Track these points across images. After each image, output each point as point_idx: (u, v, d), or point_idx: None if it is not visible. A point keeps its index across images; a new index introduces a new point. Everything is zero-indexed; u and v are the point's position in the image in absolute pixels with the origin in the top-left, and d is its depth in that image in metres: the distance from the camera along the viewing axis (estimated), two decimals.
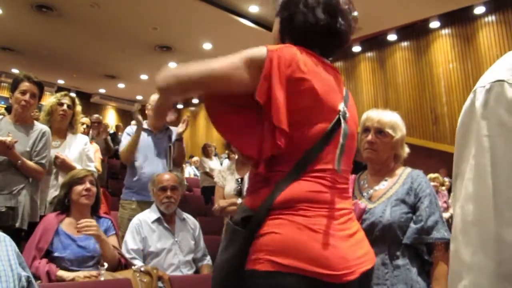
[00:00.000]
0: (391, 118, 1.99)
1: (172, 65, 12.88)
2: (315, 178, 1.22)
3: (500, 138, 0.67)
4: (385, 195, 1.91)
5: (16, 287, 1.32)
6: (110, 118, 18.27)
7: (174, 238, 3.14)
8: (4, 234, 1.44)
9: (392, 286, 1.77)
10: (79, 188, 2.70)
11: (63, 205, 2.74)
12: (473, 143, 0.72)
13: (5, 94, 15.70)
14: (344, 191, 1.30)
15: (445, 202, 6.91)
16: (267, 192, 1.21)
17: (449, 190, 8.18)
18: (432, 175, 6.95)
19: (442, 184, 7.23)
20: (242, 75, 1.20)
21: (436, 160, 10.00)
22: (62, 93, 3.43)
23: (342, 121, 1.25)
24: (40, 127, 3.02)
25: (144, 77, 14.44)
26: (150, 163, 3.77)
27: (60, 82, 15.54)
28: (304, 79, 1.22)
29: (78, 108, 3.42)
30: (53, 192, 3.13)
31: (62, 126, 3.33)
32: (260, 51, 1.23)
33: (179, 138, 3.93)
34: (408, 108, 11.14)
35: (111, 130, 12.29)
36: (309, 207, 1.18)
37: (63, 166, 3.16)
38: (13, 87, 2.96)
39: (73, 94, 3.50)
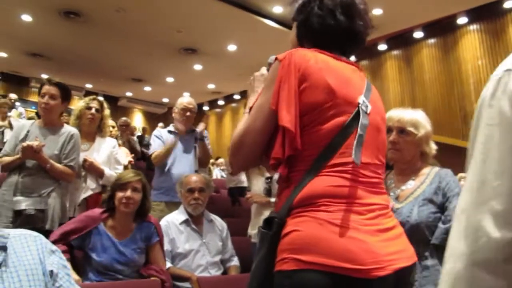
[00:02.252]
0: (412, 116, 1.96)
1: (197, 67, 13.00)
2: (335, 172, 1.18)
3: (497, 128, 0.68)
4: (412, 195, 1.89)
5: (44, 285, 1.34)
6: (137, 121, 18.50)
7: (202, 239, 3.16)
8: (37, 233, 1.47)
9: (420, 287, 1.74)
10: (120, 194, 2.64)
11: (109, 205, 2.70)
12: (479, 132, 0.73)
13: (36, 99, 16.06)
14: (373, 185, 1.24)
15: None
16: (289, 192, 1.20)
17: None
18: (462, 174, 6.80)
19: None
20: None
21: (465, 158, 9.80)
22: (91, 97, 3.49)
23: (362, 112, 1.23)
24: (68, 129, 3.08)
25: (170, 79, 14.58)
26: (178, 164, 3.84)
27: (88, 86, 15.82)
28: (316, 75, 1.23)
29: (107, 111, 3.48)
30: (82, 195, 3.19)
31: (91, 130, 3.40)
32: (274, 67, 1.28)
33: (201, 138, 3.97)
34: (436, 106, 10.95)
35: (139, 132, 12.48)
36: (330, 202, 1.14)
37: (92, 169, 3.22)
38: (38, 93, 3.04)
39: (101, 98, 3.56)
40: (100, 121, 3.41)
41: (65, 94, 3.08)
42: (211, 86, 15.13)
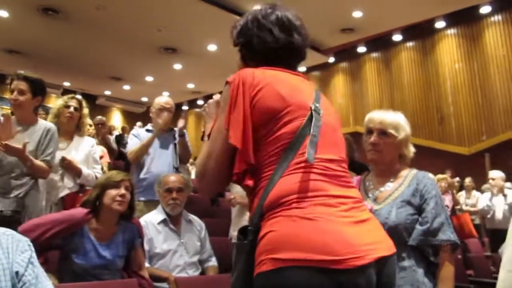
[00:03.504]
0: (393, 119, 1.98)
1: (177, 66, 12.93)
2: (298, 169, 1.20)
3: None
4: (391, 197, 1.91)
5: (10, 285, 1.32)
6: (116, 119, 18.31)
7: (180, 240, 3.14)
8: (10, 232, 1.44)
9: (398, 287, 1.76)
10: (113, 192, 2.54)
11: (93, 206, 2.57)
12: None
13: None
14: (340, 178, 1.25)
15: (453, 202, 6.87)
16: (258, 200, 1.22)
17: (458, 190, 8.13)
18: (440, 176, 6.92)
19: (451, 185, 7.18)
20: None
21: (443, 160, 9.96)
22: (70, 95, 3.45)
23: (314, 114, 1.27)
24: (44, 124, 3.02)
25: (149, 78, 14.49)
26: (156, 163, 3.84)
27: (66, 84, 15.58)
28: (267, 87, 1.28)
29: (85, 110, 3.43)
30: (60, 194, 3.14)
31: (69, 129, 3.35)
32: (225, 90, 1.33)
33: (181, 134, 3.97)
34: (413, 108, 11.11)
35: (117, 131, 12.35)
36: (300, 198, 1.15)
37: (70, 167, 3.18)
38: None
39: (79, 97, 3.51)
40: (78, 120, 3.37)
41: (36, 88, 2.98)
42: (190, 85, 15.09)
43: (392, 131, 1.95)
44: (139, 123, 12.55)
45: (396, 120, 1.98)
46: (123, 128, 13.58)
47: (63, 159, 3.14)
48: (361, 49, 12.29)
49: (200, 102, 16.94)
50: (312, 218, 1.11)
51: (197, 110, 17.69)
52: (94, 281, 2.48)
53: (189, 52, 11.69)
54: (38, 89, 3.00)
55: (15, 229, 2.65)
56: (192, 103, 17.46)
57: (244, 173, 1.25)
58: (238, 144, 1.23)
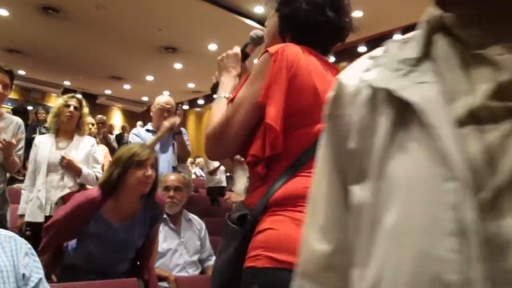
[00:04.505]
0: None
1: (177, 66, 12.93)
2: (311, 174, 1.17)
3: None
4: None
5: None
6: (116, 119, 18.32)
7: (180, 239, 3.15)
8: (12, 234, 1.45)
9: None
10: (138, 173, 2.27)
11: (111, 187, 2.30)
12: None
13: (12, 95, 15.78)
14: None
15: None
16: (264, 190, 1.19)
17: None
18: None
19: None
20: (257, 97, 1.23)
21: None
22: (69, 95, 3.47)
23: None
24: (12, 118, 3.08)
25: (150, 78, 14.48)
26: None
27: (66, 83, 15.61)
28: (306, 76, 1.21)
29: (85, 110, 3.45)
30: (59, 193, 3.15)
31: (69, 128, 3.36)
32: (264, 59, 1.24)
33: (178, 131, 3.96)
34: None
35: (118, 131, 12.37)
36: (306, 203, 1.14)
37: (69, 167, 3.19)
38: None
39: (79, 96, 3.52)
40: (78, 120, 3.38)
41: (12, 82, 3.05)
42: (191, 85, 15.07)
43: None
44: (139, 123, 12.58)
45: None
46: (123, 127, 13.58)
47: (63, 158, 3.14)
48: (362, 48, 12.27)
49: (200, 101, 16.93)
50: None
51: (198, 109, 17.71)
52: (107, 267, 2.40)
53: (190, 52, 11.67)
54: (13, 83, 3.04)
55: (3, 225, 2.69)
56: (192, 103, 17.44)
57: (262, 158, 1.20)
58: (277, 126, 1.16)
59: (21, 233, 3.11)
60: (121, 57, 12.30)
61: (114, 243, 2.36)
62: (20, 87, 15.64)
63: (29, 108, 14.11)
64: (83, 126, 3.41)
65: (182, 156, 4.08)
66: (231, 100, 1.28)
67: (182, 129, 4.03)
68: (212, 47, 11.32)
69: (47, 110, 8.91)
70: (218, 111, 1.30)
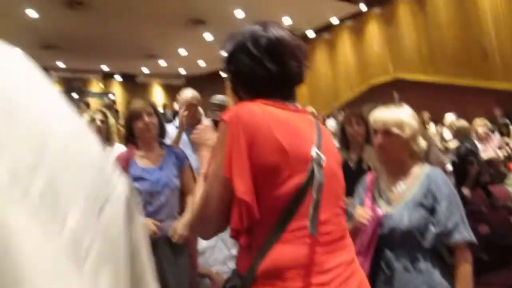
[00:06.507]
0: (396, 116, 1.94)
1: (208, 36, 12.90)
2: (295, 238, 1.16)
3: None
4: (403, 198, 1.90)
5: None
6: (158, 94, 18.67)
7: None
8: None
9: None
10: (138, 123, 2.66)
11: (130, 139, 2.75)
12: None
13: (56, 87, 16.33)
14: (336, 242, 1.23)
15: (498, 147, 6.57)
16: (251, 259, 1.18)
17: (503, 132, 7.79)
18: (479, 121, 6.59)
19: (492, 131, 6.85)
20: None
21: (488, 99, 9.57)
22: (94, 109, 3.57)
23: (316, 169, 1.19)
24: None
25: (183, 51, 14.58)
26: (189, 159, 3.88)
27: (104, 68, 15.96)
28: (266, 133, 1.18)
29: (111, 120, 3.56)
30: None
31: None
32: (221, 129, 1.23)
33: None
34: (454, 47, 10.62)
35: (159, 108, 12.59)
36: (296, 275, 1.14)
37: None
38: None
39: (103, 109, 3.63)
40: (106, 131, 3.50)
41: None
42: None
43: (396, 130, 1.92)
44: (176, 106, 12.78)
45: (399, 117, 1.94)
46: (164, 105, 13.87)
47: None
48: None
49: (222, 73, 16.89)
50: None
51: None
52: (159, 203, 2.61)
53: (217, 22, 11.60)
54: None
55: None
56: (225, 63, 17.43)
57: (243, 229, 1.18)
58: (248, 198, 1.15)
59: None
60: (151, 35, 12.42)
61: (154, 180, 2.64)
62: (62, 78, 16.18)
63: (74, 96, 14.62)
64: (111, 136, 3.53)
65: None
66: (205, 176, 1.28)
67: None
68: (239, 13, 11.20)
69: (87, 104, 9.26)
70: (199, 190, 1.30)
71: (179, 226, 2.56)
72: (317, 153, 1.23)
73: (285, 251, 1.16)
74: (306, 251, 1.17)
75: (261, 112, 1.22)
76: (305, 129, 1.28)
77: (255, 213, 1.16)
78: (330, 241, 1.22)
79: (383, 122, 1.96)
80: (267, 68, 1.29)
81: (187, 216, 2.61)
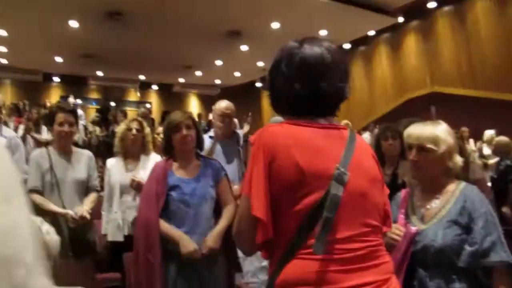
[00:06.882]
0: (431, 132, 1.90)
1: (244, 48, 13.02)
2: (310, 254, 1.16)
3: None
4: (437, 215, 1.86)
5: None
6: (193, 104, 18.92)
7: None
8: None
9: None
10: (177, 135, 2.69)
11: (169, 150, 2.78)
12: None
13: (95, 96, 16.89)
14: (359, 260, 1.20)
15: None
16: (271, 273, 1.24)
17: None
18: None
19: None
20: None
21: None
22: (130, 118, 3.66)
23: (334, 186, 1.19)
24: (84, 152, 3.42)
25: (219, 62, 14.77)
26: None
27: (142, 78, 16.32)
28: (285, 153, 1.21)
29: (147, 130, 3.62)
30: (133, 213, 3.37)
31: (135, 150, 3.55)
32: (249, 151, 1.31)
33: (246, 139, 3.98)
34: (495, 62, 10.36)
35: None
36: None
37: (139, 188, 3.37)
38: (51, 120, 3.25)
39: (140, 118, 3.71)
40: (142, 140, 3.56)
41: (77, 119, 3.36)
42: (260, 63, 15.13)
43: (431, 146, 1.88)
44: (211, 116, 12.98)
45: (434, 133, 1.90)
46: (199, 115, 14.02)
47: (133, 181, 3.35)
48: (432, 4, 11.60)
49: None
50: None
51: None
52: (194, 213, 2.62)
53: (253, 34, 11.73)
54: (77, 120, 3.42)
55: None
56: (264, 80, 17.50)
57: (262, 244, 1.24)
58: (262, 216, 1.20)
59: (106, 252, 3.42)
60: (188, 46, 12.64)
61: (190, 191, 2.65)
62: (101, 87, 16.62)
63: (112, 104, 14.98)
64: (147, 145, 3.60)
65: None
66: (239, 196, 1.37)
67: (250, 135, 4.06)
68: (275, 25, 11.28)
69: (124, 113, 9.49)
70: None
71: (209, 239, 2.57)
72: (339, 171, 1.22)
73: (299, 267, 1.18)
74: (321, 267, 1.16)
75: (283, 133, 1.25)
76: (330, 147, 1.27)
77: (269, 230, 1.21)
78: (352, 259, 1.20)
79: (417, 137, 1.93)
80: (294, 88, 1.30)
81: (219, 228, 2.64)
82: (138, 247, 2.58)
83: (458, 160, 1.94)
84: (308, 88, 1.30)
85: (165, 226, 2.56)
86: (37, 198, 3.02)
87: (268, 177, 1.21)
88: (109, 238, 3.43)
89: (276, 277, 1.20)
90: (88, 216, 3.06)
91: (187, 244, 2.50)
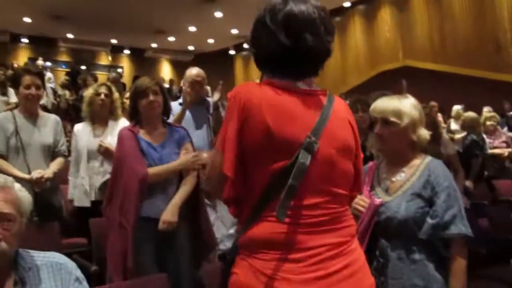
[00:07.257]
0: (395, 106, 1.91)
1: (218, 14, 12.81)
2: (275, 217, 1.18)
3: None
4: (402, 188, 1.90)
5: None
6: (165, 70, 18.62)
7: (216, 213, 3.26)
8: (63, 260, 1.55)
9: (408, 281, 1.79)
10: (143, 101, 2.66)
11: (134, 116, 2.76)
12: None
13: (65, 58, 16.43)
14: (322, 224, 1.22)
15: (504, 142, 6.50)
16: (238, 230, 1.29)
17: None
18: (487, 114, 6.52)
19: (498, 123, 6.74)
20: None
21: (499, 92, 9.48)
22: (98, 83, 3.59)
23: (303, 155, 1.19)
24: (51, 116, 3.33)
25: (192, 28, 14.55)
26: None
27: (114, 41, 15.93)
28: (257, 114, 1.21)
29: (116, 95, 3.56)
30: (101, 179, 3.33)
31: (103, 115, 3.50)
32: (227, 107, 1.29)
33: (216, 107, 3.96)
34: (467, 38, 10.50)
35: (166, 84, 12.57)
36: (268, 250, 1.19)
37: (107, 153, 3.34)
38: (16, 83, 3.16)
39: (108, 83, 3.63)
40: (110, 105, 3.50)
41: (43, 81, 3.27)
42: (234, 31, 14.97)
43: (394, 119, 1.90)
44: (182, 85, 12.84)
45: (397, 107, 1.91)
46: (171, 81, 13.85)
47: (100, 146, 3.30)
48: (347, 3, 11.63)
49: (246, 45, 16.80)
50: (269, 275, 1.16)
51: (244, 53, 17.61)
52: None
53: (228, 0, 11.52)
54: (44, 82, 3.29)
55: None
56: (238, 47, 17.35)
57: (230, 200, 1.28)
58: (231, 174, 1.22)
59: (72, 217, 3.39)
60: (162, 10, 12.38)
61: (156, 156, 2.67)
62: (71, 49, 16.16)
63: (82, 67, 14.61)
64: (115, 111, 3.54)
65: (218, 129, 4.10)
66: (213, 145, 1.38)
67: (219, 103, 4.02)
68: None
69: (95, 77, 9.26)
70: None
71: (166, 214, 2.55)
72: (310, 138, 1.21)
73: (262, 228, 1.21)
74: (284, 230, 1.19)
75: (259, 93, 1.24)
76: (305, 113, 1.26)
77: (236, 188, 1.24)
78: (316, 224, 1.22)
79: (381, 111, 1.94)
80: (281, 43, 1.25)
81: (175, 201, 2.62)
82: (113, 208, 2.60)
83: (424, 133, 1.96)
84: (295, 41, 1.25)
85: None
86: (0, 162, 2.94)
87: (240, 135, 1.22)
88: (76, 204, 3.40)
89: (241, 235, 1.24)
90: (50, 176, 3.02)
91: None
